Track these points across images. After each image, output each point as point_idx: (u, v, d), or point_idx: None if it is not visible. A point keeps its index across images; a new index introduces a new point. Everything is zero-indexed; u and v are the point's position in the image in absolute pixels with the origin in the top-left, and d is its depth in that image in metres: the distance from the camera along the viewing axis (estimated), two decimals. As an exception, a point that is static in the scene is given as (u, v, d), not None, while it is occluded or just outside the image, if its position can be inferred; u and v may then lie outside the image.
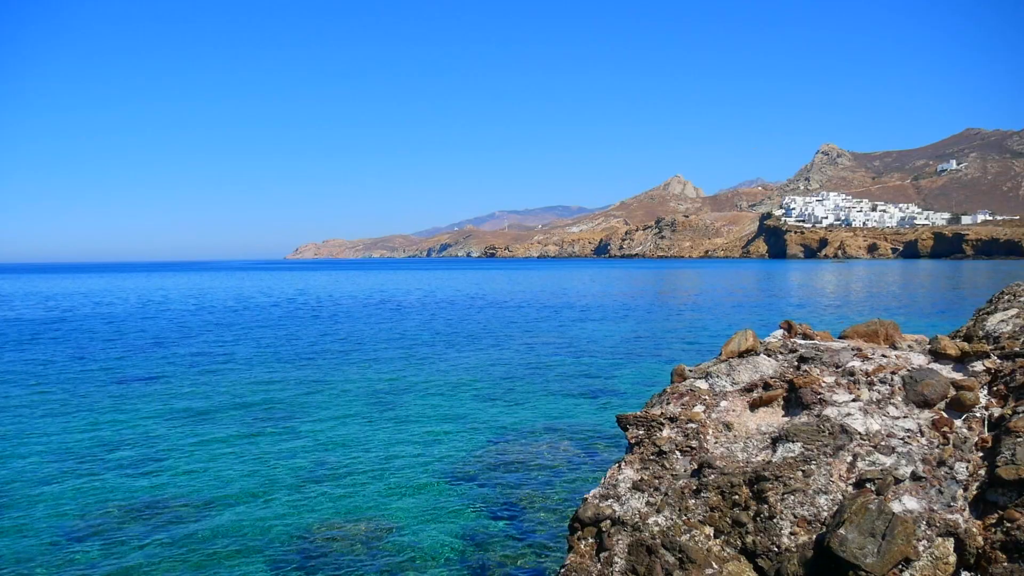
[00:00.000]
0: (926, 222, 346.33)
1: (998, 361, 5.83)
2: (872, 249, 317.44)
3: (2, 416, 19.15)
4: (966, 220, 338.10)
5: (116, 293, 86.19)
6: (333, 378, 24.28)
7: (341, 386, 22.73)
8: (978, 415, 5.39)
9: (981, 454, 5.09)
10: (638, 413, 6.41)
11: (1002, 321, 6.85)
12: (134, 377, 25.07)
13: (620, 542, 5.46)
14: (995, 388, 5.57)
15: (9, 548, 10.80)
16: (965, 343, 6.15)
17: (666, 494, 5.62)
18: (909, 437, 5.34)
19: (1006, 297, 7.53)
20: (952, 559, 4.62)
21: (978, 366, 5.88)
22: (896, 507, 4.88)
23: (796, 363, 6.44)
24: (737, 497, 5.31)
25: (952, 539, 4.67)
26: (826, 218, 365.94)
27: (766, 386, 6.27)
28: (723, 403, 6.26)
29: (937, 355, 6.13)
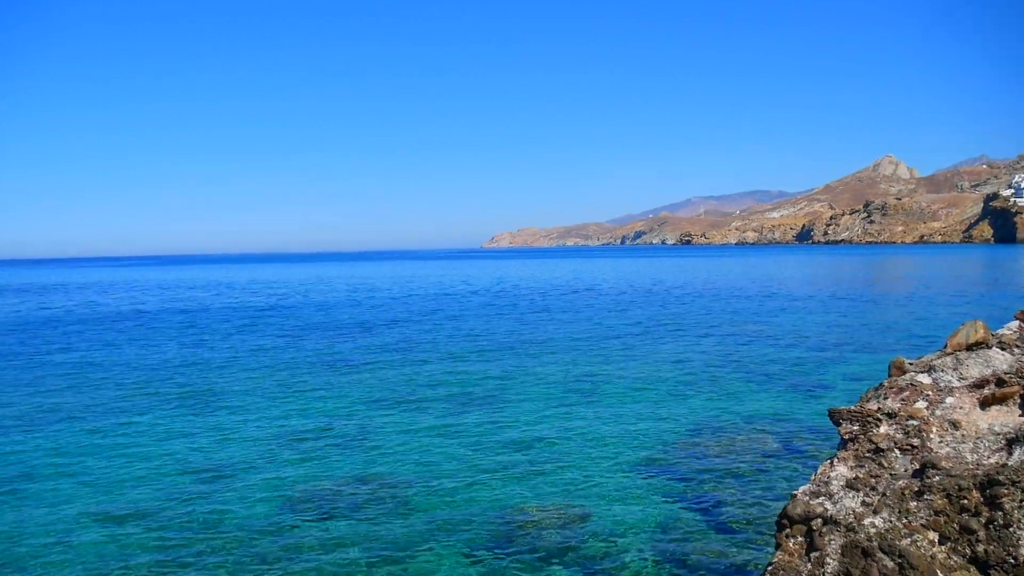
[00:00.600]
0: None
1: None
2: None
3: (229, 397, 21.04)
4: None
5: (327, 282, 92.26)
6: (532, 367, 24.73)
7: (540, 375, 23.11)
8: None
9: None
10: (852, 407, 6.04)
11: None
12: (343, 362, 26.75)
13: (833, 542, 5.17)
14: None
15: (236, 518, 11.86)
16: None
17: (884, 494, 5.26)
18: None
19: None
20: None
21: None
22: None
23: (1036, 357, 5.83)
24: (966, 502, 4.88)
25: None
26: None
27: (999, 382, 5.72)
28: (949, 399, 5.77)
29: None
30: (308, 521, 11.55)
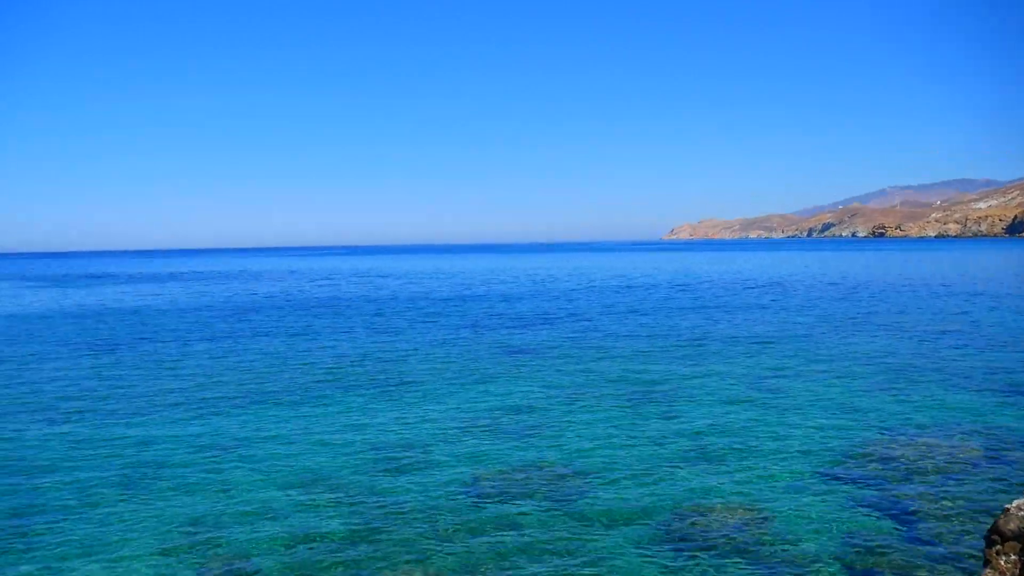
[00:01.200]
0: None
1: None
2: None
3: (415, 383, 21.91)
4: None
5: (508, 274, 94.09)
6: (715, 363, 24.14)
7: (723, 371, 22.50)
8: None
9: None
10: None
11: None
12: (524, 352, 27.18)
13: (1051, 565, 4.69)
14: None
15: (419, 497, 12.32)
16: None
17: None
18: None
19: None
20: None
21: None
22: None
23: None
24: None
25: None
26: None
27: None
28: None
29: None
30: (487, 503, 11.84)
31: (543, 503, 11.82)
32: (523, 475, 13.16)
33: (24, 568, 9.86)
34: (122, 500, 12.22)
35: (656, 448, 14.56)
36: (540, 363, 24.36)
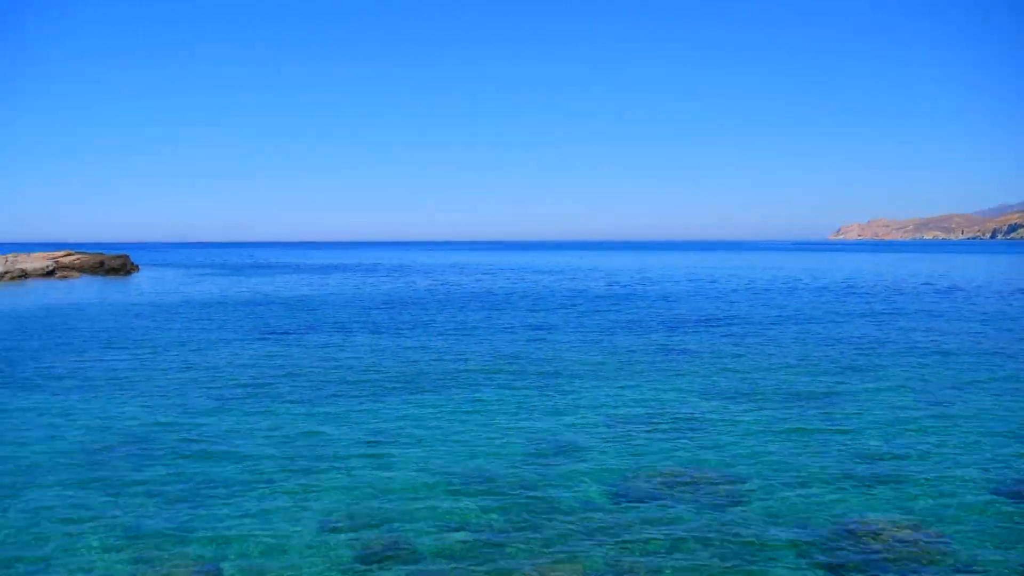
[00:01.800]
0: None
1: None
2: None
3: (570, 378, 21.98)
4: None
5: (668, 270, 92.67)
6: (886, 372, 22.82)
7: (896, 381, 21.20)
8: None
9: None
10: None
11: None
12: (682, 351, 26.72)
13: None
14: None
15: (571, 492, 12.36)
16: None
17: None
18: None
19: None
20: None
21: None
22: None
23: None
24: None
25: None
26: None
27: None
28: None
29: None
30: (640, 503, 11.75)
31: (696, 506, 11.59)
32: (676, 476, 12.95)
33: (200, 536, 10.64)
34: (287, 480, 12.95)
35: (818, 459, 13.94)
36: (698, 365, 23.86)
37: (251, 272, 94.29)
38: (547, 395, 19.46)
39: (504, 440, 15.32)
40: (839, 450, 14.46)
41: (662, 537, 10.45)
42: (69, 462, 13.81)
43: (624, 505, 11.71)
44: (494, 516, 11.28)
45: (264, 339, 29.92)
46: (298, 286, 64.35)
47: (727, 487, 12.47)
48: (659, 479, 12.85)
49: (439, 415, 17.42)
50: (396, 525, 10.97)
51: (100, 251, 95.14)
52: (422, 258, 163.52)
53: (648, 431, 15.92)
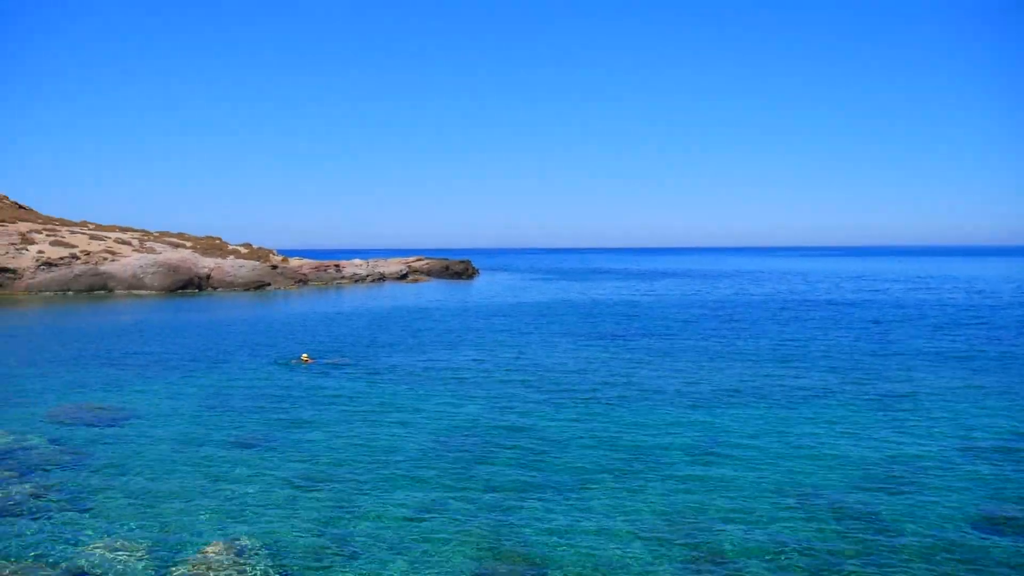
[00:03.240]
0: None
1: None
2: None
3: (911, 396, 19.90)
4: None
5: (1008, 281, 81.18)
6: None
7: None
8: None
9: None
10: None
11: None
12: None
13: None
14: None
15: (912, 525, 11.08)
16: None
17: None
18: None
19: None
20: None
21: None
22: None
23: None
24: None
25: None
26: None
27: None
28: None
29: None
30: (998, 542, 10.20)
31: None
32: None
33: (529, 539, 11.00)
34: (615, 484, 13.07)
35: None
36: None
37: (579, 277, 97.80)
38: (886, 412, 17.84)
39: (839, 458, 14.30)
40: None
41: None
42: (416, 454, 15.08)
43: (979, 544, 10.31)
44: (833, 541, 10.50)
45: (593, 343, 30.72)
46: (626, 291, 65.49)
47: None
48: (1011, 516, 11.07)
49: (770, 426, 16.70)
50: (723, 541, 10.62)
51: (444, 256, 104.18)
52: (753, 264, 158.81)
53: (1000, 459, 13.87)
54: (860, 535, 10.70)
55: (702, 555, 10.14)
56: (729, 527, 11.09)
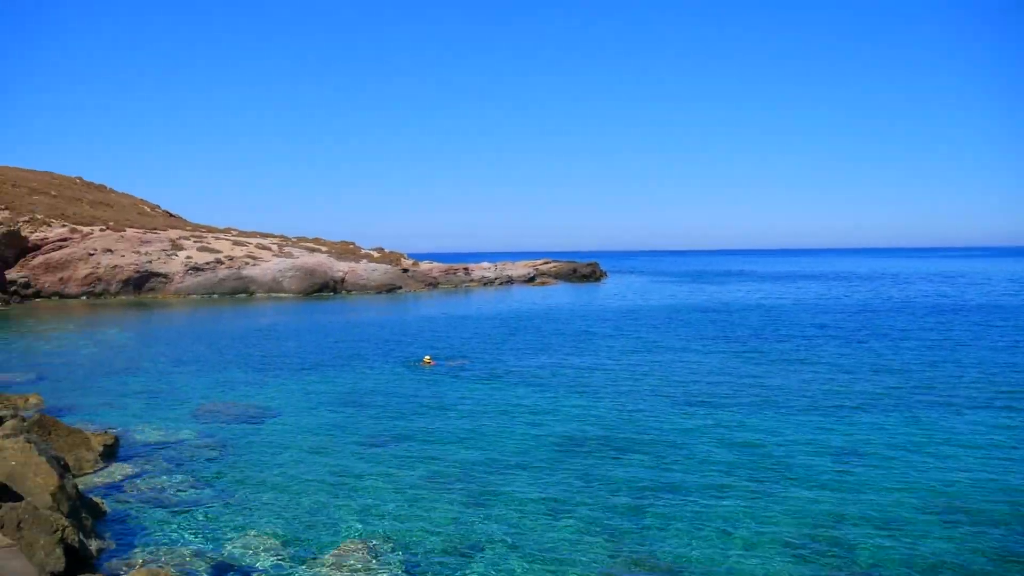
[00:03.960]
0: None
1: None
2: None
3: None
4: None
5: None
6: None
7: None
8: None
9: None
10: None
11: None
12: None
13: None
14: None
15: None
16: None
17: None
18: None
19: None
20: None
21: None
22: None
23: None
24: None
25: None
26: None
27: None
28: None
29: None
30: None
31: None
32: None
33: (653, 539, 10.70)
34: (751, 489, 12.57)
35: None
36: None
37: (707, 279, 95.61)
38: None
39: (984, 471, 13.20)
40: None
41: None
42: (544, 455, 15.01)
43: None
44: (972, 556, 9.67)
45: (725, 347, 29.85)
46: (758, 294, 63.48)
47: None
48: None
49: (910, 433, 15.78)
50: (864, 548, 10.07)
51: (572, 259, 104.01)
52: (888, 265, 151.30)
53: None
54: (1006, 552, 9.86)
55: (837, 563, 9.61)
56: (873, 532, 10.52)
